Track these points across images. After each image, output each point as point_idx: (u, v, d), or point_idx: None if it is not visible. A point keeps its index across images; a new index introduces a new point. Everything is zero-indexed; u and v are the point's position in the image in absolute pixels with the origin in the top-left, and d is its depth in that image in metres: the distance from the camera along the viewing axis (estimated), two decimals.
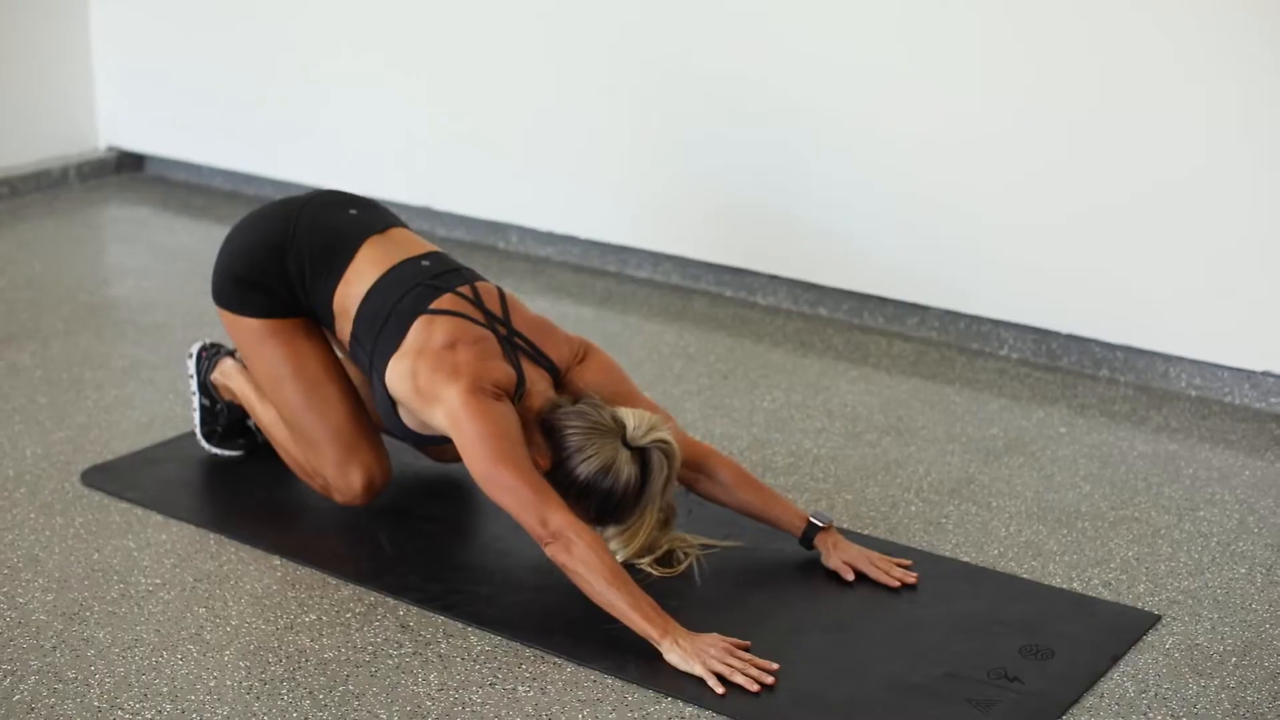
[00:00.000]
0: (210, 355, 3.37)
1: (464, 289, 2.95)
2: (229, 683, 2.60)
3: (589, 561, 2.67)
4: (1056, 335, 4.00)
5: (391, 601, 2.85)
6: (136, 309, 4.35)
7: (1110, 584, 2.95)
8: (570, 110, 4.63)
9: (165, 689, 2.58)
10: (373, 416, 3.12)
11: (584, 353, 2.99)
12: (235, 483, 3.29)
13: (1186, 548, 3.10)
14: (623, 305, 4.44)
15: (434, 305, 2.91)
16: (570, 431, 2.78)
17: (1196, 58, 3.65)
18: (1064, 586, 2.94)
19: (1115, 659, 2.69)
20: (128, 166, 5.73)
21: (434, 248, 3.08)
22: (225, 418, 3.37)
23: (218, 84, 5.36)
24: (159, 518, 3.14)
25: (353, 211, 3.10)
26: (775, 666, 2.61)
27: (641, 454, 2.79)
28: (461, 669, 2.65)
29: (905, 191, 4.12)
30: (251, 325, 3.08)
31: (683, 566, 2.93)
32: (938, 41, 3.99)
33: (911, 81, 4.04)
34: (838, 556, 2.94)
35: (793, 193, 4.28)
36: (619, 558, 2.84)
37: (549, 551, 2.71)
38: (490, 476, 2.72)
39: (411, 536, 3.07)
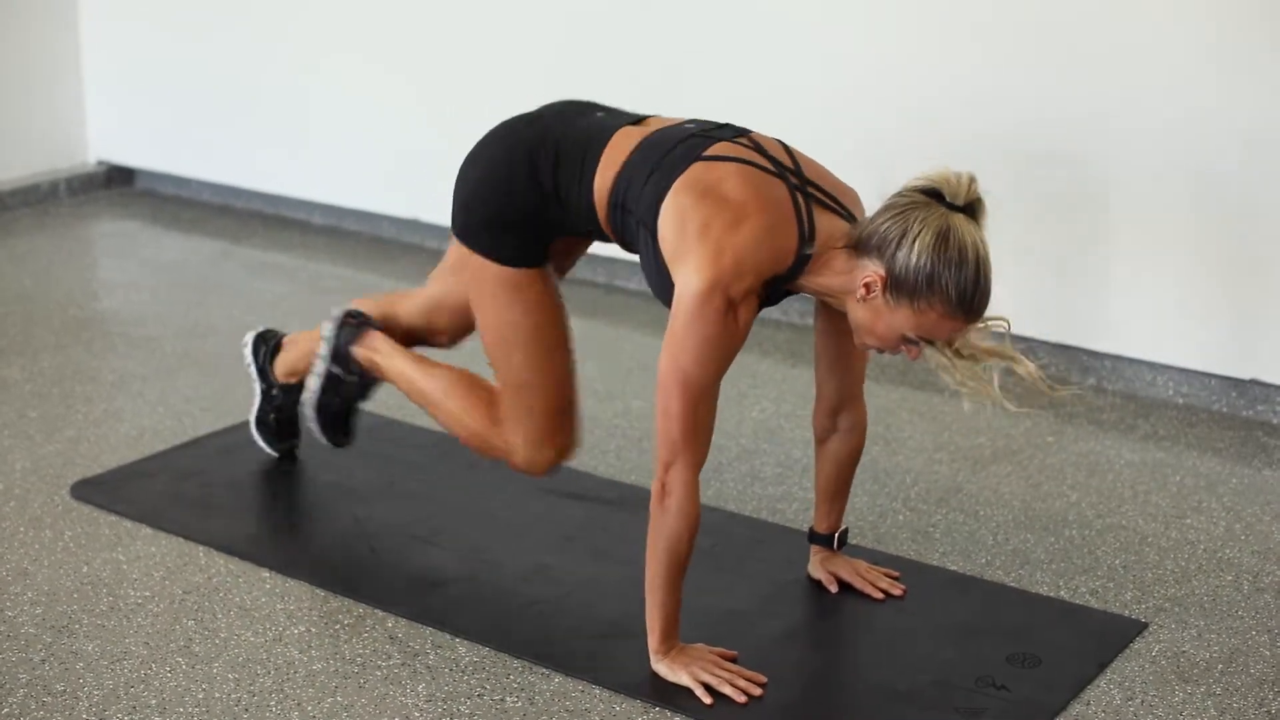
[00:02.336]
0: (358, 324, 3.17)
1: (741, 139, 2.65)
2: (218, 695, 2.60)
3: (671, 536, 2.56)
4: (1044, 344, 4.01)
5: (380, 613, 2.85)
6: (126, 323, 4.35)
7: (1097, 592, 2.96)
8: None
9: (154, 701, 2.58)
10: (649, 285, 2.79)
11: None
12: (224, 496, 3.29)
13: (1173, 555, 3.11)
14: (612, 316, 4.45)
15: (709, 152, 2.60)
16: (883, 222, 2.48)
17: (1184, 72, 3.68)
18: (1051, 595, 2.94)
19: (1102, 666, 2.70)
20: (117, 181, 5.73)
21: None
22: (344, 393, 3.18)
23: (208, 99, 5.36)
24: (148, 531, 3.14)
25: (599, 115, 2.82)
26: (763, 679, 2.61)
27: (973, 212, 2.49)
28: (450, 680, 2.66)
29: None
30: (495, 272, 2.81)
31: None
32: (924, 47, 4.01)
33: (898, 92, 4.06)
34: (824, 567, 2.94)
35: None
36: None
37: (652, 496, 2.56)
38: (664, 387, 2.53)
39: (400, 548, 3.07)
